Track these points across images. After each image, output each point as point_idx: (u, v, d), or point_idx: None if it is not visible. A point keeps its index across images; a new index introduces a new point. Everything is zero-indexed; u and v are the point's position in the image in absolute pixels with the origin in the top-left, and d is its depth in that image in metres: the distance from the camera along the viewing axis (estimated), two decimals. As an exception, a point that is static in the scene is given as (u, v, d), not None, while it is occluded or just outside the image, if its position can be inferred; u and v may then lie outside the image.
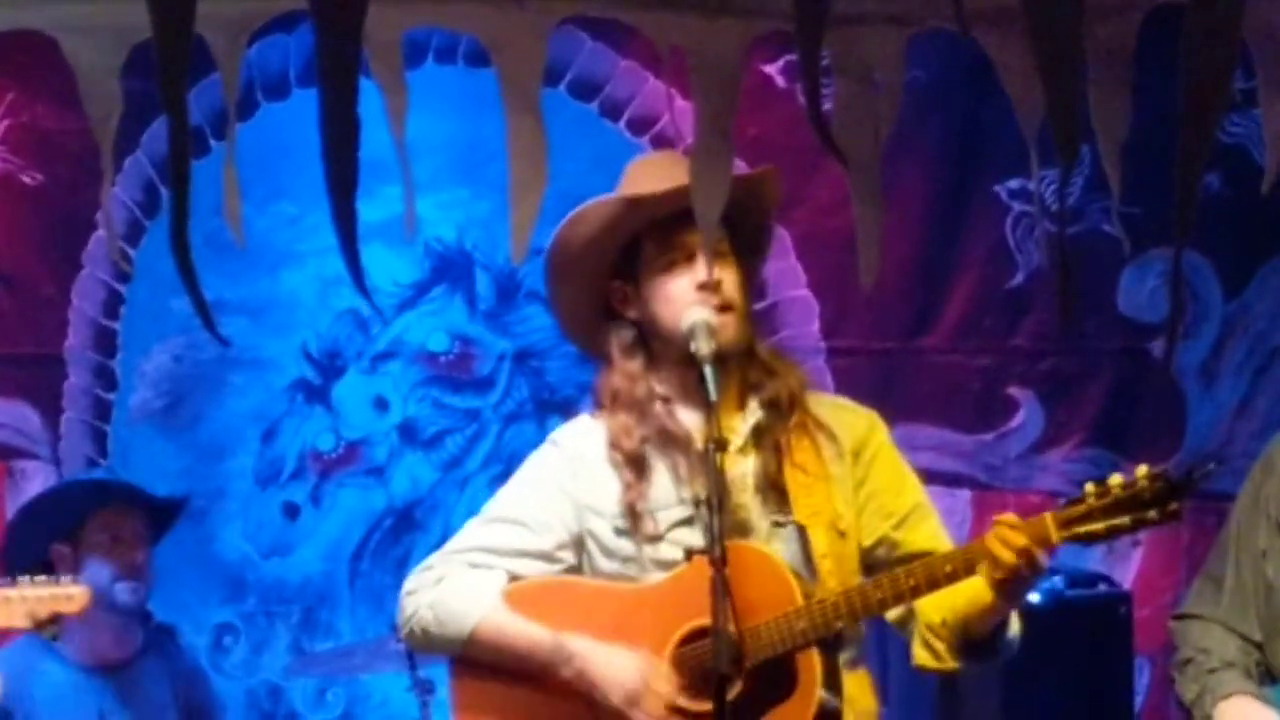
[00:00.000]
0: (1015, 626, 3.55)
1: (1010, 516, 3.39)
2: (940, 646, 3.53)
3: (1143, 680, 5.72)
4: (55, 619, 4.13)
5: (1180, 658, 3.97)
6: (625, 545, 3.57)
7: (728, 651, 3.31)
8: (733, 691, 3.41)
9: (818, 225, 5.68)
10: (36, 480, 5.68)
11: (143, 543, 4.70)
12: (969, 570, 3.36)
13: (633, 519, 3.56)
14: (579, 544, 3.62)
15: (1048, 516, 3.37)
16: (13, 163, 5.66)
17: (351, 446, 5.87)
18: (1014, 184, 5.75)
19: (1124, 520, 3.35)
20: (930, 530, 3.62)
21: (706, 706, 3.42)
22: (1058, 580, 5.20)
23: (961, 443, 5.85)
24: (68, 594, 4.14)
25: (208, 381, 5.78)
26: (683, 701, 3.47)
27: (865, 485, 3.61)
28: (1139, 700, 5.61)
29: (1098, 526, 3.36)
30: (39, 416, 5.73)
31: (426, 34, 5.53)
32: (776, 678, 3.39)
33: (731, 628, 3.33)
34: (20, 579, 4.12)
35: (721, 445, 3.39)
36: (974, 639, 3.50)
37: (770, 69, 5.69)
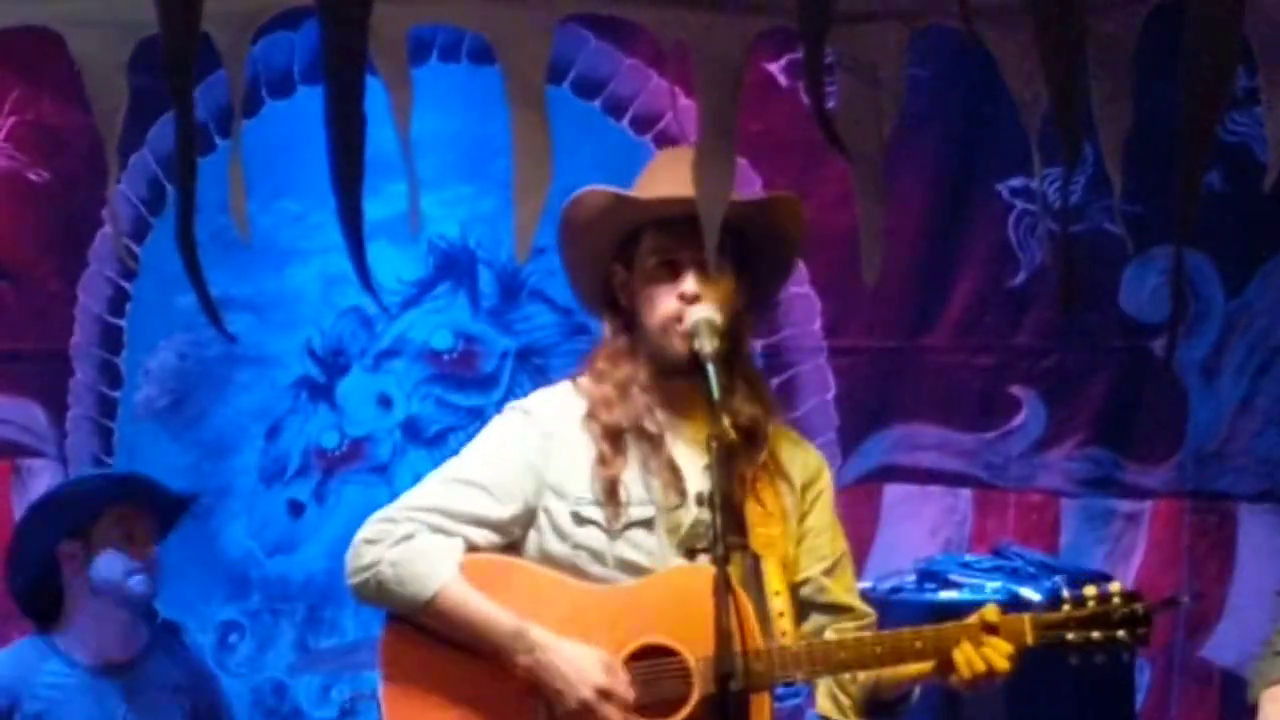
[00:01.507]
0: (915, 691, 3.61)
1: (994, 613, 3.42)
2: (846, 702, 3.57)
3: (1143, 680, 5.72)
4: None
5: (1267, 639, 4.01)
6: (580, 533, 3.56)
7: (729, 651, 3.31)
8: (682, 714, 3.41)
9: (820, 223, 5.67)
10: (43, 478, 5.68)
11: (153, 540, 4.70)
12: (939, 653, 3.42)
13: (609, 495, 3.55)
14: (530, 519, 3.59)
15: (1025, 619, 3.46)
16: (18, 160, 5.67)
17: (355, 444, 5.87)
18: (1016, 182, 5.75)
19: (1095, 636, 3.46)
20: (849, 583, 3.69)
21: None
22: (1058, 580, 5.20)
23: (963, 441, 5.85)
24: None
25: (212, 379, 5.79)
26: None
27: (805, 521, 3.64)
28: (1139, 700, 5.61)
29: (1072, 637, 3.46)
30: (45, 414, 5.74)
31: (431, 31, 5.53)
32: (725, 711, 3.39)
33: (734, 630, 3.32)
34: None
35: (724, 442, 3.39)
36: (882, 699, 3.54)
37: (773, 67, 5.69)
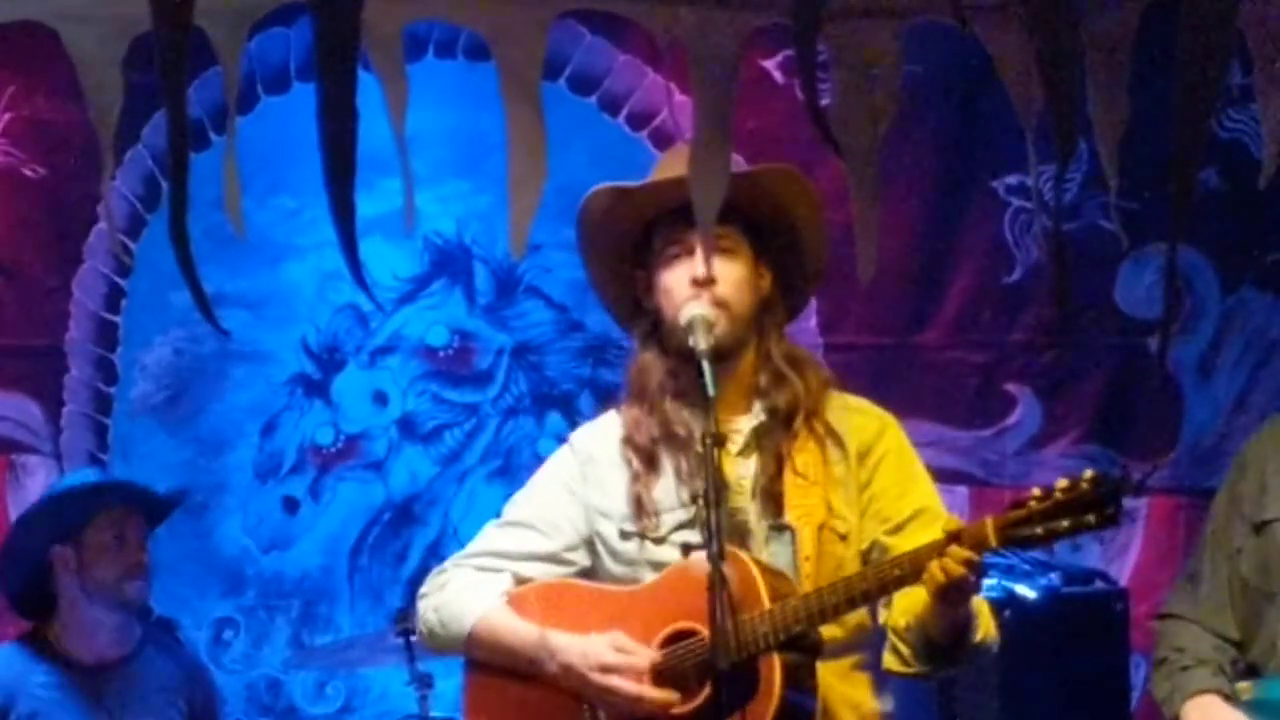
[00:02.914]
0: (985, 630, 3.50)
1: (954, 523, 3.37)
2: (906, 651, 3.52)
3: (1139, 676, 5.72)
4: None
5: (1157, 656, 4.01)
6: (629, 548, 3.58)
7: (724, 646, 3.31)
8: (706, 691, 3.41)
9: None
10: (38, 474, 5.68)
11: (144, 541, 4.71)
12: (918, 575, 3.34)
13: (637, 509, 3.56)
14: (590, 546, 3.63)
15: (988, 521, 3.36)
16: (14, 155, 5.67)
17: (351, 440, 5.87)
18: (1012, 180, 5.75)
19: (1062, 524, 3.32)
20: (925, 538, 3.53)
21: (686, 708, 3.43)
22: (1054, 577, 5.20)
23: (959, 439, 5.85)
24: None
25: (208, 375, 5.79)
26: (657, 693, 3.46)
27: (869, 488, 3.59)
28: (1135, 696, 5.62)
29: (1036, 530, 3.33)
30: (40, 410, 5.74)
31: (426, 27, 5.53)
32: (739, 681, 3.38)
33: (729, 625, 3.32)
34: None
35: (719, 441, 3.39)
36: (936, 643, 3.50)
37: (768, 64, 5.69)
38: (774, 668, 3.39)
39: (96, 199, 5.60)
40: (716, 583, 3.28)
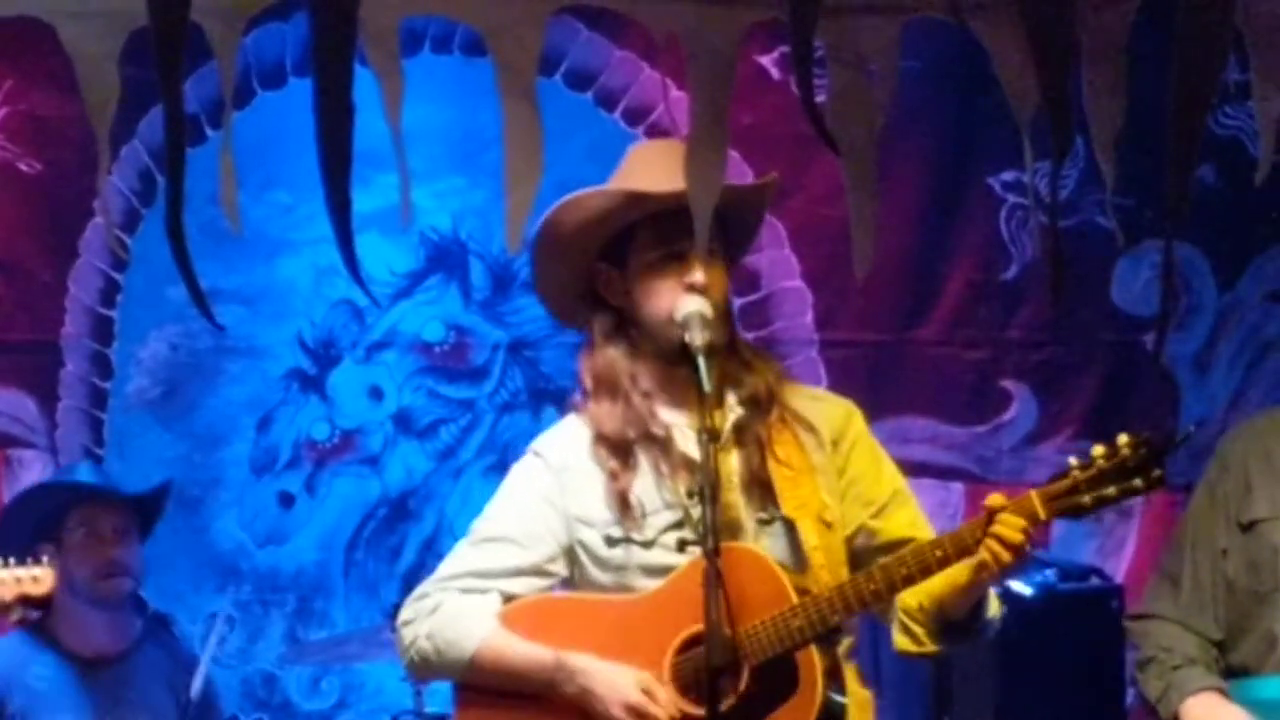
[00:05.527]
0: (994, 607, 3.53)
1: (998, 499, 3.37)
2: (919, 630, 3.52)
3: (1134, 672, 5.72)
4: (22, 601, 4.15)
5: (1142, 656, 3.99)
6: (617, 554, 3.54)
7: (721, 645, 3.30)
8: (736, 691, 3.40)
9: (812, 216, 5.69)
10: (34, 469, 5.68)
11: (125, 537, 4.71)
12: (962, 554, 3.35)
13: (623, 509, 3.54)
14: (570, 555, 3.58)
15: (1034, 495, 3.35)
16: (10, 150, 5.66)
17: (346, 436, 5.87)
18: (1008, 176, 5.76)
19: (1110, 490, 3.32)
20: (908, 517, 3.62)
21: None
22: (1050, 573, 5.20)
23: (955, 435, 5.85)
24: (33, 575, 4.16)
25: (203, 370, 5.79)
26: (687, 708, 3.44)
27: (845, 474, 3.60)
28: (1130, 693, 5.62)
29: (1084, 499, 3.33)
30: (35, 405, 5.74)
31: (423, 22, 5.53)
32: (777, 678, 3.37)
33: (725, 622, 3.31)
34: None
35: (715, 436, 3.38)
36: (951, 621, 3.50)
37: (765, 60, 5.69)
38: (814, 664, 3.39)
39: (92, 194, 5.59)
40: (711, 579, 3.28)
